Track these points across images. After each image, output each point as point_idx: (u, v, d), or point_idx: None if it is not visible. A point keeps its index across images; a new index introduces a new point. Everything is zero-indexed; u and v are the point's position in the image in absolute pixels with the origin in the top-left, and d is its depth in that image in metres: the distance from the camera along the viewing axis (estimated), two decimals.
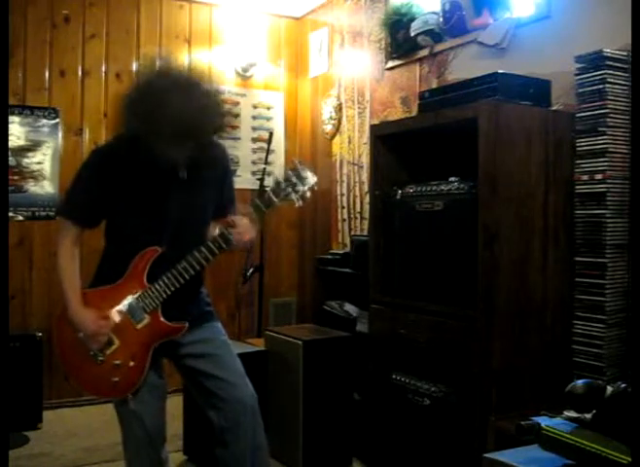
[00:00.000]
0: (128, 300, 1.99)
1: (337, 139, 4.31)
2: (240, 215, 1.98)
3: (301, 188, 1.93)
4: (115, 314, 1.98)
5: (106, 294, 2.01)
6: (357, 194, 4.05)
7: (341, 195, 4.22)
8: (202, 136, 1.92)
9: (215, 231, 2.07)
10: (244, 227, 1.96)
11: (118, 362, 1.97)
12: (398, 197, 2.57)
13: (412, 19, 3.36)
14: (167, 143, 1.83)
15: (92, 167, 2.03)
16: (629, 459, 1.39)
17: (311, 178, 1.95)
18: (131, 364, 1.97)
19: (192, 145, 1.90)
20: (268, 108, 4.65)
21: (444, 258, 2.35)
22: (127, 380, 1.97)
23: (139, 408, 1.99)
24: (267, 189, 1.97)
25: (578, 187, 2.25)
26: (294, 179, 1.93)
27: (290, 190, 1.93)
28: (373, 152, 2.74)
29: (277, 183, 1.94)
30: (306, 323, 4.18)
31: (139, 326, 1.98)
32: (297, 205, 1.95)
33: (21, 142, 3.89)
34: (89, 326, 1.96)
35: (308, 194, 1.95)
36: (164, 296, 1.97)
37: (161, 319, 1.99)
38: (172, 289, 1.97)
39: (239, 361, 2.12)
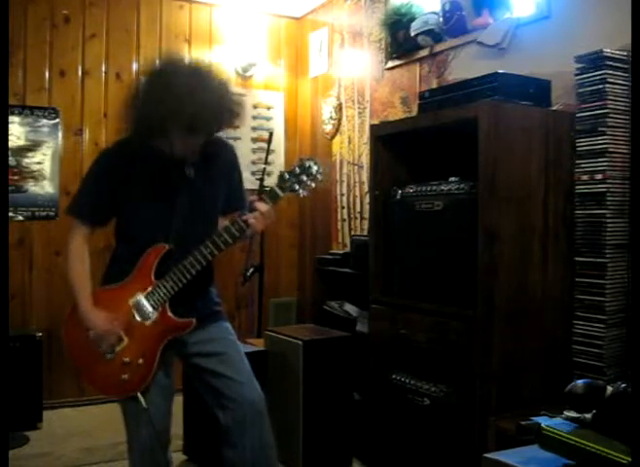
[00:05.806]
0: (137, 297, 1.99)
1: (337, 139, 4.31)
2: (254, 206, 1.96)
3: (305, 178, 1.94)
4: (124, 312, 1.98)
5: (115, 292, 2.02)
6: (357, 194, 4.05)
7: (341, 195, 4.22)
8: (219, 124, 1.93)
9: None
10: (264, 211, 1.93)
11: (127, 359, 1.97)
12: (398, 196, 2.57)
13: (412, 19, 3.36)
14: (182, 131, 1.84)
15: (101, 167, 2.05)
16: (629, 459, 1.39)
17: (315, 168, 1.95)
18: (140, 361, 1.97)
19: (206, 135, 1.91)
20: (268, 108, 4.64)
21: (444, 258, 2.35)
22: (137, 378, 1.97)
23: (148, 408, 1.98)
24: (273, 184, 1.98)
25: (578, 187, 2.25)
26: (297, 170, 1.94)
27: (294, 181, 1.93)
28: (373, 152, 2.74)
29: (282, 177, 1.95)
30: (306, 323, 4.18)
31: (148, 323, 1.99)
32: (301, 195, 1.95)
33: (21, 142, 3.89)
34: (100, 325, 1.96)
35: (313, 184, 1.95)
36: (172, 292, 1.98)
37: (169, 315, 1.99)
38: (180, 285, 1.97)
39: (247, 362, 2.12)
